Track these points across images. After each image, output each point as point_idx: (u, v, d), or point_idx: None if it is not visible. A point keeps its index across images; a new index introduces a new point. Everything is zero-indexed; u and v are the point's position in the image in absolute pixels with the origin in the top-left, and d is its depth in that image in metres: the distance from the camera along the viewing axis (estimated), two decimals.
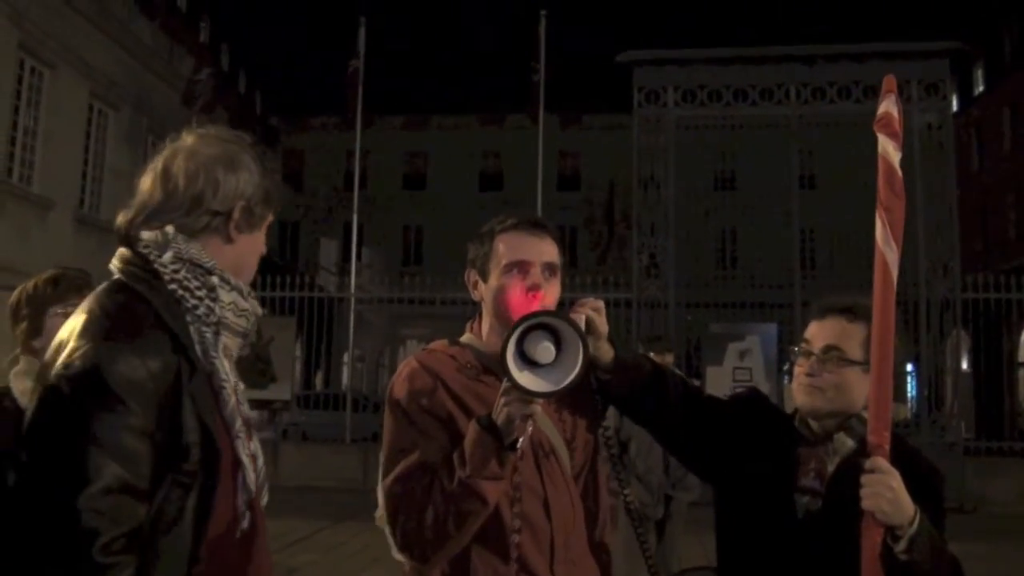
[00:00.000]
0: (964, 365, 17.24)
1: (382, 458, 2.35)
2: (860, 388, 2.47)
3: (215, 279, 1.91)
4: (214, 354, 1.86)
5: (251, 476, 1.88)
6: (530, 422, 2.15)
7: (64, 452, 1.64)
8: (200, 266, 1.91)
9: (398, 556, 2.32)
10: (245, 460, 1.87)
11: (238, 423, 1.87)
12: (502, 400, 2.12)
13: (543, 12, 17.63)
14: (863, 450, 2.38)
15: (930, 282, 14.65)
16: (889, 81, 2.48)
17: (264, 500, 2.06)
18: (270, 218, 2.08)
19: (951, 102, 14.85)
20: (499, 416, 2.12)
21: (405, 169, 41.24)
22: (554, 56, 17.80)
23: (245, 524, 1.87)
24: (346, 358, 23.21)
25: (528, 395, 2.05)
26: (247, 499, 1.87)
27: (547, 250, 2.40)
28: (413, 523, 2.20)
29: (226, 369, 1.88)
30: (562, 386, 2.05)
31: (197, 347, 1.84)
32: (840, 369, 2.47)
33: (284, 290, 16.16)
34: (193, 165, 1.95)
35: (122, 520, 1.64)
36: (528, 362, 2.08)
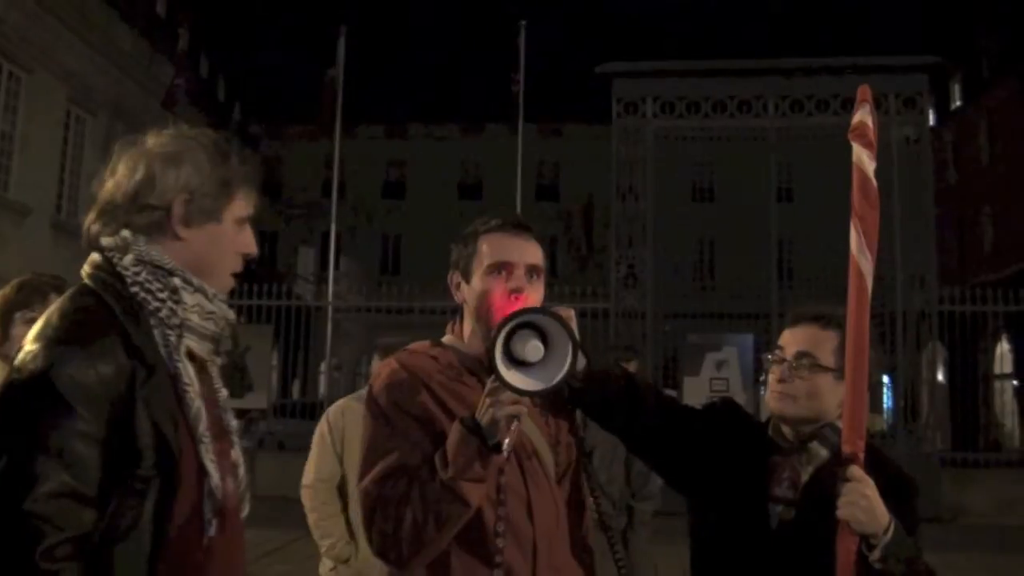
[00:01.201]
0: (940, 377, 17.34)
1: (360, 457, 2.31)
2: (832, 395, 2.48)
3: (176, 280, 1.88)
4: (177, 357, 1.83)
5: (217, 483, 1.83)
6: (516, 423, 2.11)
7: (10, 456, 1.63)
8: (161, 268, 1.88)
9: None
10: (210, 466, 1.82)
11: (201, 427, 1.83)
12: (487, 400, 2.08)
13: (523, 23, 17.66)
14: (837, 459, 2.38)
15: (907, 294, 14.72)
16: (864, 91, 2.49)
17: (245, 511, 2.03)
18: (240, 211, 2.01)
19: (928, 116, 14.96)
20: (484, 417, 2.08)
21: (384, 178, 41.17)
22: (534, 67, 17.83)
23: (212, 531, 1.82)
24: (323, 367, 23.11)
25: (517, 393, 2.03)
26: (214, 507, 1.83)
27: (530, 251, 2.38)
28: (390, 526, 2.15)
29: (190, 374, 1.85)
30: (552, 384, 2.04)
31: (162, 350, 1.82)
32: (812, 376, 2.47)
33: (261, 298, 16.08)
34: (134, 161, 1.94)
35: (67, 526, 1.62)
36: (515, 361, 2.05)
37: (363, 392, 4.68)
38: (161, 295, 1.86)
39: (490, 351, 2.00)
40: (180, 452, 1.76)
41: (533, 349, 2.04)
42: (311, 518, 4.57)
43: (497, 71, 20.76)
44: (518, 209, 16.87)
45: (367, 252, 38.64)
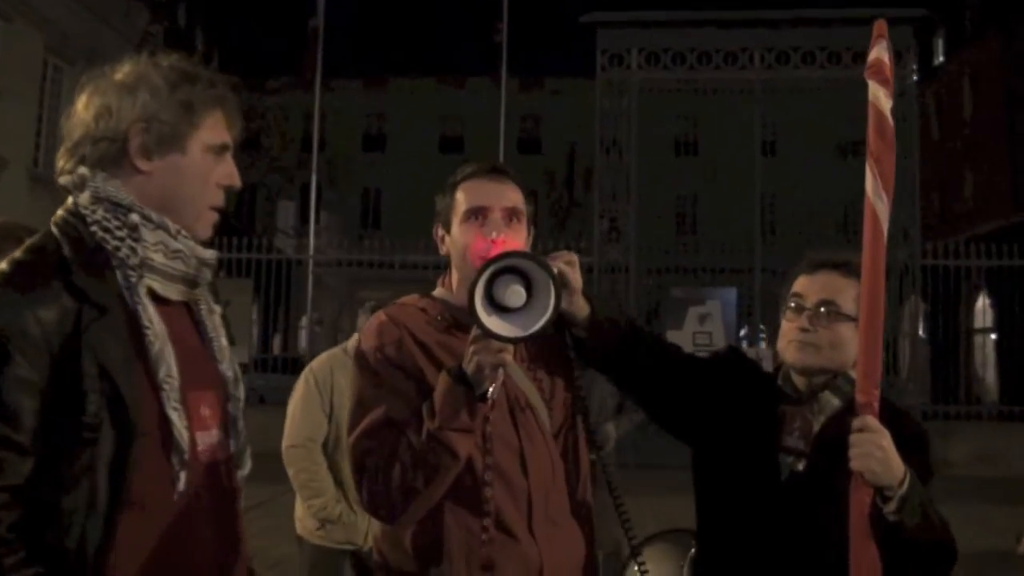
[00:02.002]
0: (920, 332, 17.42)
1: (349, 411, 2.27)
2: (853, 344, 2.39)
3: (135, 217, 1.77)
4: (136, 299, 1.73)
5: (182, 433, 1.72)
6: (501, 371, 2.06)
7: None
8: (119, 204, 1.77)
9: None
10: (173, 415, 1.72)
11: (163, 372, 1.71)
12: (472, 348, 2.04)
13: None
14: (849, 409, 2.31)
15: (890, 248, 14.62)
16: (880, 26, 2.38)
17: (245, 468, 1.95)
18: (211, 138, 1.87)
19: (913, 71, 14.85)
20: (469, 365, 2.04)
21: (364, 131, 40.76)
22: (517, 17, 17.58)
23: (180, 486, 1.72)
24: (304, 321, 23.00)
25: (497, 340, 1.97)
26: (180, 460, 1.72)
27: (508, 195, 2.31)
28: (380, 480, 2.11)
29: (151, 315, 1.73)
30: (532, 331, 1.98)
31: (125, 292, 1.72)
32: (835, 324, 2.39)
33: (241, 252, 15.91)
34: (89, 94, 1.84)
35: (1, 475, 1.55)
36: (498, 308, 1.99)
37: (348, 344, 4.59)
38: (119, 233, 1.76)
39: (469, 297, 1.94)
40: (137, 398, 1.66)
41: (514, 294, 1.98)
42: (299, 478, 4.47)
43: (478, 22, 20.55)
44: (501, 161, 16.73)
45: (347, 206, 38.38)
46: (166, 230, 1.81)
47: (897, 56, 14.78)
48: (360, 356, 2.29)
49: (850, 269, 2.46)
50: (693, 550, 2.67)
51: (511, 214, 2.29)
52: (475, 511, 2.16)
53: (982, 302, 25.95)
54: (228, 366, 1.96)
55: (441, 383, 2.10)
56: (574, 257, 2.29)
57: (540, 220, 38.35)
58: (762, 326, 16.63)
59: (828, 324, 2.40)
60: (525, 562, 2.17)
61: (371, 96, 40.02)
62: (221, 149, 1.90)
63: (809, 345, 2.40)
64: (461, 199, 2.32)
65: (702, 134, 37.52)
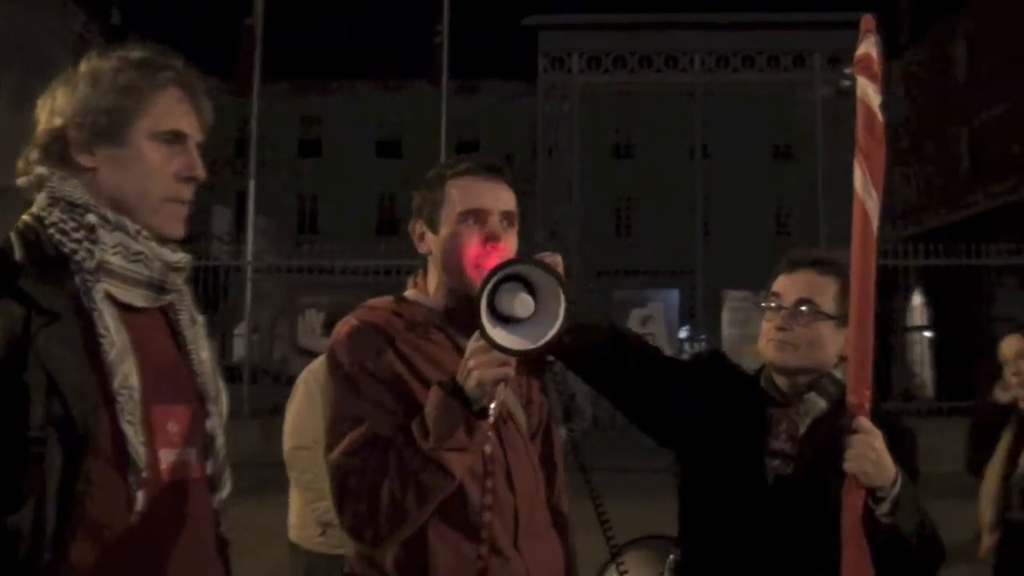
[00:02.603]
0: None
1: (325, 427, 2.11)
2: (833, 343, 2.39)
3: (92, 217, 1.66)
4: (92, 305, 1.61)
5: (137, 449, 1.59)
6: (502, 386, 1.93)
7: None
8: (75, 204, 1.67)
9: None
10: (127, 429, 1.59)
11: (117, 382, 1.59)
12: (471, 362, 1.88)
13: None
14: (835, 411, 2.29)
15: (830, 248, 14.88)
16: (867, 20, 2.37)
17: (224, 490, 1.84)
18: (157, 124, 1.74)
19: (852, 74, 15.06)
20: (468, 380, 1.89)
21: (301, 136, 40.31)
22: (457, 20, 17.47)
23: (138, 506, 1.59)
24: (241, 329, 22.64)
25: (507, 354, 1.84)
26: (136, 477, 1.59)
27: (505, 197, 2.17)
28: (365, 502, 1.96)
29: (107, 322, 1.61)
30: (543, 342, 1.84)
31: (84, 297, 1.61)
32: (813, 323, 2.37)
33: None
34: (48, 93, 1.74)
35: None
36: (499, 318, 1.86)
37: None
38: (76, 235, 1.65)
39: (476, 309, 1.80)
40: (87, 411, 1.54)
41: (523, 304, 1.85)
42: (303, 480, 4.38)
43: (417, 24, 20.43)
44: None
45: (283, 211, 37.87)
46: (124, 231, 1.69)
47: (837, 60, 15.07)
48: (335, 365, 2.12)
49: (828, 267, 2.45)
50: (672, 556, 2.62)
51: (507, 218, 2.16)
52: (467, 533, 2.04)
53: (917, 300, 26.55)
54: (208, 380, 1.84)
55: (434, 398, 1.94)
56: (558, 258, 2.16)
57: None
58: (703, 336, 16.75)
59: (806, 323, 2.37)
60: None
61: (307, 99, 39.56)
62: (173, 137, 1.76)
63: (787, 344, 2.37)
64: (455, 197, 2.15)
65: (639, 137, 37.81)
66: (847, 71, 14.99)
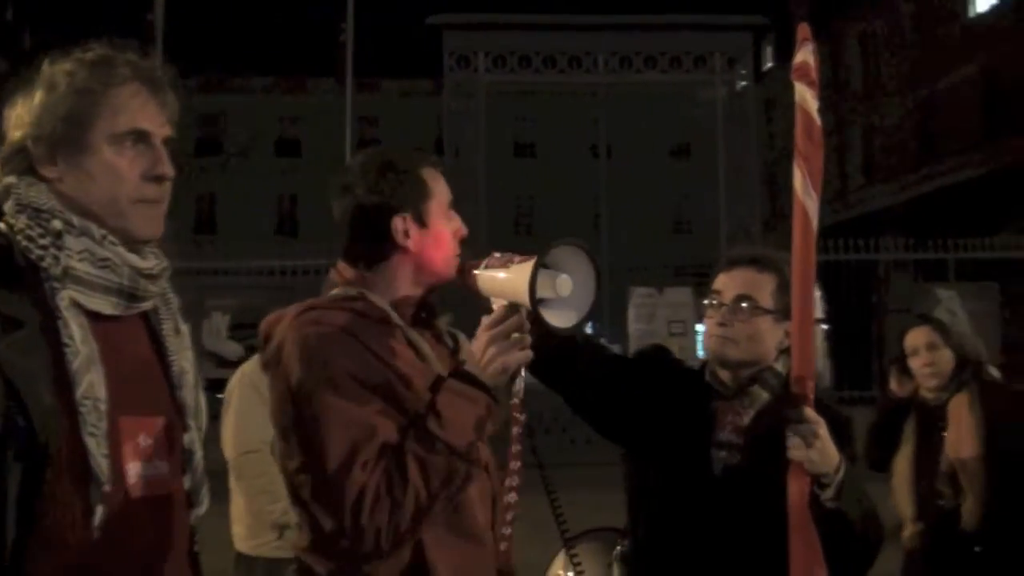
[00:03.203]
0: None
1: (323, 441, 1.94)
2: (772, 337, 2.49)
3: (57, 223, 1.62)
4: (57, 313, 1.57)
5: (100, 462, 1.53)
6: (524, 370, 1.97)
7: None
8: (40, 210, 1.62)
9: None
10: (89, 441, 1.53)
11: (79, 392, 1.53)
12: (492, 350, 1.91)
13: None
14: (777, 402, 2.39)
15: (730, 246, 15.19)
16: (803, 28, 2.47)
17: (202, 507, 1.79)
18: (117, 125, 1.69)
19: (751, 75, 15.47)
20: (492, 367, 1.91)
21: (199, 134, 39.44)
22: (361, 18, 17.31)
23: (97, 520, 1.53)
24: None
25: (563, 332, 1.90)
26: (98, 490, 1.53)
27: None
28: (390, 512, 1.87)
29: (73, 331, 1.56)
30: (586, 312, 1.92)
31: (50, 305, 1.57)
32: (753, 319, 2.47)
33: None
34: (11, 103, 1.71)
35: None
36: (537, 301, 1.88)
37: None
38: (43, 242, 1.60)
39: (531, 296, 1.82)
40: (47, 420, 1.50)
41: (563, 284, 1.88)
42: (258, 484, 4.18)
43: (319, 22, 20.21)
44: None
45: (180, 211, 36.93)
46: (90, 236, 1.64)
47: (733, 61, 15.44)
48: (311, 375, 1.98)
49: (766, 264, 2.55)
50: (619, 548, 2.68)
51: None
52: (472, 535, 2.06)
53: (815, 294, 27.29)
54: (188, 393, 1.79)
55: (452, 395, 1.91)
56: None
57: None
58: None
59: (746, 318, 2.47)
60: (489, 571, 2.09)
61: (207, 97, 38.71)
62: (136, 136, 1.70)
63: (727, 340, 2.47)
64: (439, 190, 2.15)
65: (540, 136, 38.09)
66: (743, 72, 15.41)
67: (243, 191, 37.43)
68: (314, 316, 2.07)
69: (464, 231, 2.17)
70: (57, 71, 1.69)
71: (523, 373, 1.99)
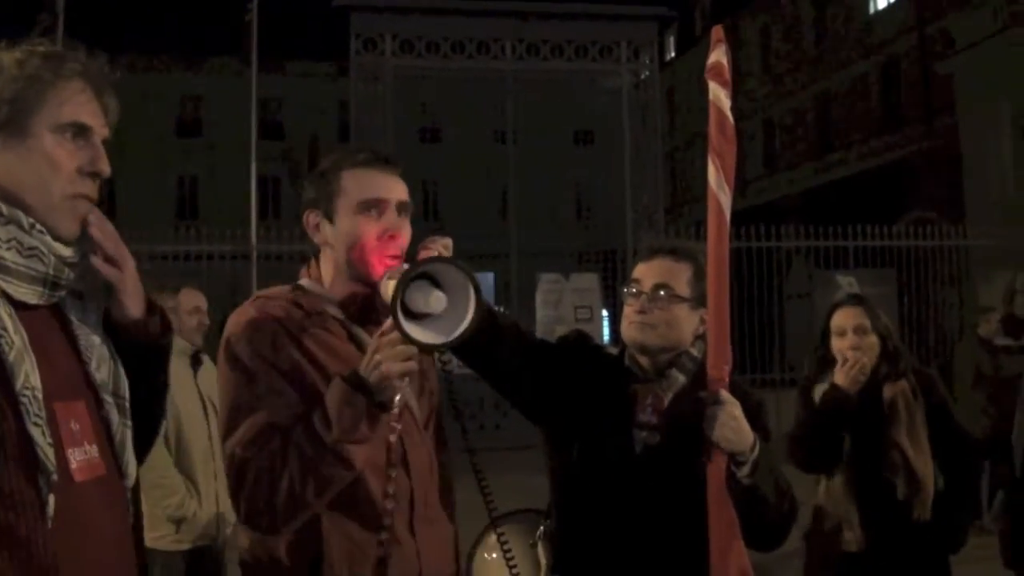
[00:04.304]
0: None
1: (221, 418, 2.13)
2: (688, 324, 2.60)
3: None
4: None
5: (46, 452, 1.53)
6: (406, 379, 2.00)
7: None
8: None
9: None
10: (34, 431, 1.52)
11: (19, 383, 1.53)
12: (376, 357, 1.94)
13: None
14: (694, 385, 2.51)
15: (635, 233, 15.42)
16: (717, 31, 2.58)
17: (129, 479, 1.76)
18: (60, 116, 1.69)
19: (656, 64, 15.68)
20: (372, 374, 1.94)
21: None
22: None
23: (50, 511, 1.53)
24: None
25: (426, 350, 1.93)
26: (47, 480, 1.52)
27: (399, 188, 2.26)
28: (263, 492, 1.99)
29: (3, 322, 1.55)
30: (457, 334, 1.92)
31: None
32: (670, 306, 2.57)
33: None
34: None
35: None
36: (409, 314, 1.91)
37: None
38: None
39: (393, 307, 1.85)
40: None
41: (437, 300, 1.91)
42: (149, 477, 4.06)
43: (222, 1, 19.80)
44: (253, 147, 16.24)
45: None
46: (18, 224, 1.63)
47: (638, 51, 15.65)
48: (230, 355, 2.13)
49: (682, 254, 2.66)
50: (542, 527, 2.74)
51: (403, 208, 2.25)
52: (364, 522, 2.10)
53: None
54: (99, 366, 1.75)
55: (336, 391, 1.98)
56: (449, 241, 2.27)
57: (283, 207, 37.63)
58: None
59: (664, 306, 2.57)
60: (406, 564, 2.15)
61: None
62: (78, 130, 1.71)
63: (646, 326, 2.58)
64: (352, 188, 2.20)
65: (446, 122, 38.01)
66: (647, 61, 15.65)
67: (142, 173, 36.51)
68: (254, 304, 2.22)
69: (393, 231, 2.19)
70: (6, 57, 1.69)
71: (405, 382, 2.01)
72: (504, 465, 5.04)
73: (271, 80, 36.36)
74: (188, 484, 4.25)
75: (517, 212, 18.33)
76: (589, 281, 15.24)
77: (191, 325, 4.46)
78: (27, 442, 1.52)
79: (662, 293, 2.57)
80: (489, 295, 15.78)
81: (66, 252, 1.69)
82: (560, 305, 14.81)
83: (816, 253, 14.97)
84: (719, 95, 2.50)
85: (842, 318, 3.85)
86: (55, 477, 1.54)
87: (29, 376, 1.55)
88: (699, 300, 2.57)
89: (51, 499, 1.53)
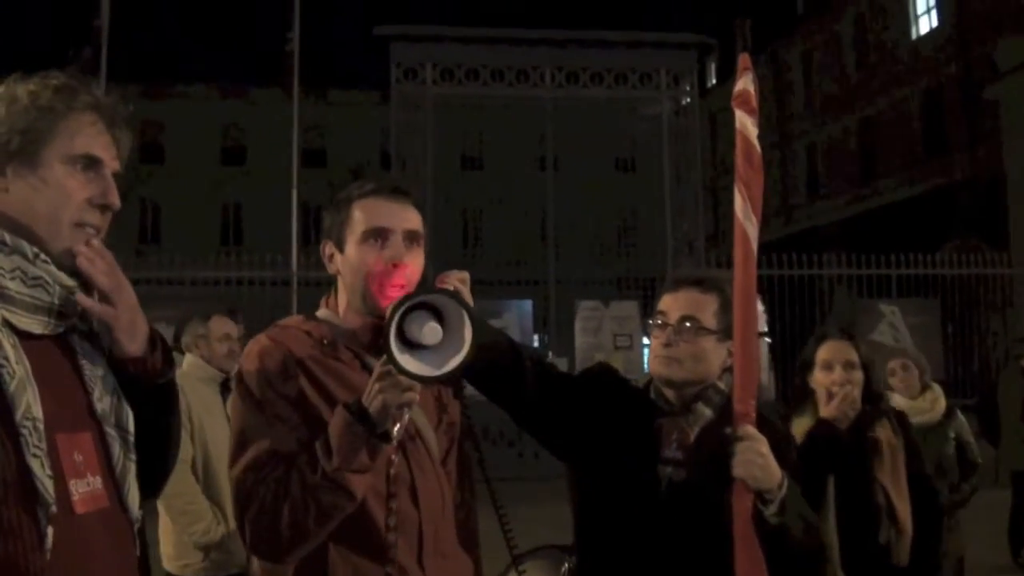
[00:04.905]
0: None
1: (231, 444, 2.13)
2: (716, 356, 2.54)
3: None
4: None
5: (45, 484, 1.51)
6: (406, 410, 1.98)
7: None
8: None
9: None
10: (33, 463, 1.51)
11: (19, 414, 1.52)
12: (376, 386, 1.93)
13: None
14: (721, 419, 2.44)
15: (675, 260, 15.35)
16: (744, 59, 2.54)
17: (134, 512, 1.74)
18: (72, 147, 1.70)
19: (696, 91, 15.65)
20: (372, 403, 1.93)
21: (142, 140, 38.85)
22: (308, 27, 17.22)
23: (48, 544, 1.51)
24: None
25: (416, 380, 1.89)
26: (45, 513, 1.51)
27: (408, 217, 2.24)
28: (266, 518, 2.00)
29: (5, 352, 1.54)
30: (448, 368, 1.89)
31: None
32: (697, 339, 2.51)
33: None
34: None
35: None
36: (408, 344, 1.90)
37: (193, 360, 4.41)
38: None
39: (384, 337, 1.84)
40: None
41: (431, 332, 1.89)
42: (175, 505, 4.16)
43: (263, 30, 20.07)
44: (295, 174, 16.36)
45: (124, 220, 36.20)
46: (22, 254, 1.63)
47: (678, 78, 15.63)
48: (241, 382, 2.16)
49: (709, 285, 2.60)
50: (567, 565, 2.69)
51: (412, 237, 2.22)
52: (371, 554, 2.08)
53: (758, 308, 27.72)
54: (103, 396, 1.73)
55: (338, 420, 1.98)
56: (466, 275, 2.25)
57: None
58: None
59: (690, 338, 2.51)
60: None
61: (149, 104, 38.18)
62: (89, 162, 1.72)
63: (673, 360, 2.52)
64: (359, 217, 2.21)
65: (488, 149, 38.17)
66: (687, 88, 15.62)
67: (187, 200, 37.04)
68: (268, 334, 2.24)
69: (396, 260, 2.17)
70: (21, 88, 1.71)
71: (406, 413, 2.00)
72: (543, 495, 4.97)
73: (314, 108, 36.83)
74: (216, 511, 4.22)
75: (555, 239, 18.33)
76: (629, 309, 15.18)
77: (221, 352, 4.45)
78: (26, 473, 1.51)
79: (688, 325, 2.52)
80: (528, 322, 15.80)
81: (71, 282, 1.69)
82: (599, 332, 14.76)
83: (859, 281, 14.77)
84: (746, 123, 2.45)
85: (829, 351, 3.67)
86: (54, 509, 1.52)
87: (31, 407, 1.54)
88: (726, 332, 2.50)
89: (50, 531, 1.52)
